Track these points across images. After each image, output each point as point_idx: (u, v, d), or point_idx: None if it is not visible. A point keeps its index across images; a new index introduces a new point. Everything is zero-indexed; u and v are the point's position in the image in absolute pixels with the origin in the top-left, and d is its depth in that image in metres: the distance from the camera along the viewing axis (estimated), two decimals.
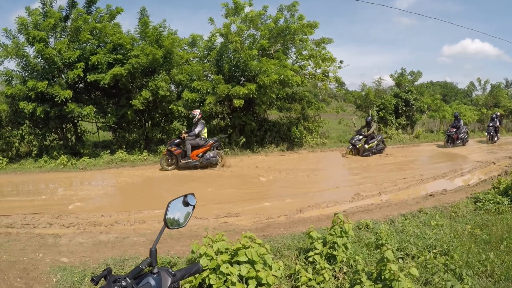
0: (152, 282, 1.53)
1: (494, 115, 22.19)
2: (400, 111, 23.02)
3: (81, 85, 13.67)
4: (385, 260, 3.77)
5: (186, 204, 1.84)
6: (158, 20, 16.75)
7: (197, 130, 11.66)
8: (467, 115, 28.13)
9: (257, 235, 4.89)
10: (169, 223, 1.79)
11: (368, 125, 15.47)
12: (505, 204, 7.46)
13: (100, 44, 13.36)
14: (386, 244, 4.44)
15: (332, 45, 17.55)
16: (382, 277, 3.58)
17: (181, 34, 20.95)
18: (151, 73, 13.66)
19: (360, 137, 14.98)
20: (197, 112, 11.98)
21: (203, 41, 15.67)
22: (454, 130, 18.51)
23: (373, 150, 15.01)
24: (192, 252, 3.85)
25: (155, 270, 1.58)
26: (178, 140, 11.65)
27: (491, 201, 7.69)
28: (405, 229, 5.89)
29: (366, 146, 14.84)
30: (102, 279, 1.46)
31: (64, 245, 5.30)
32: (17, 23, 12.00)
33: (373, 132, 15.27)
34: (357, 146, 14.73)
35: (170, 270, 1.60)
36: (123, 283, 1.42)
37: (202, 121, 11.94)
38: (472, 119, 28.50)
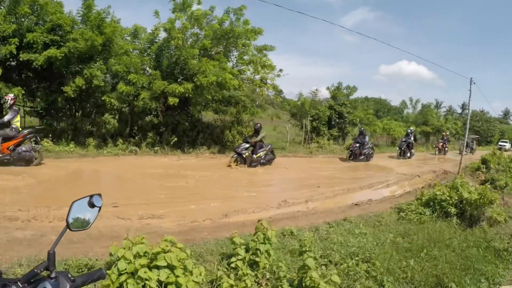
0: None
1: (409, 130, 24.80)
2: (333, 123, 25.74)
3: (12, 63, 13.62)
4: (306, 267, 4.11)
5: (91, 205, 1.82)
6: (104, 4, 17.07)
7: (6, 118, 10.49)
8: (396, 131, 31.97)
9: (180, 239, 5.08)
10: (71, 225, 1.80)
11: (256, 132, 15.02)
12: (427, 215, 8.47)
13: (39, 22, 13.46)
14: (307, 252, 4.77)
15: (275, 53, 19.08)
16: (303, 284, 3.88)
17: (125, 23, 21.27)
18: (87, 60, 13.96)
19: (247, 145, 14.42)
20: (10, 96, 10.80)
21: (145, 34, 16.23)
22: (357, 145, 19.22)
23: (262, 161, 14.71)
24: (111, 254, 3.86)
25: (53, 275, 1.56)
26: None
27: (414, 212, 8.67)
28: (329, 236, 6.37)
29: (254, 156, 14.47)
30: None
31: None
32: None
33: (261, 141, 14.87)
34: (243, 156, 14.20)
35: (69, 275, 1.61)
36: None
37: (15, 107, 10.76)
38: (401, 135, 32.36)
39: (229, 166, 13.82)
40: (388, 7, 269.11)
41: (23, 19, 13.25)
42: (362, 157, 19.29)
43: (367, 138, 19.97)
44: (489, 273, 5.82)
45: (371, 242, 6.26)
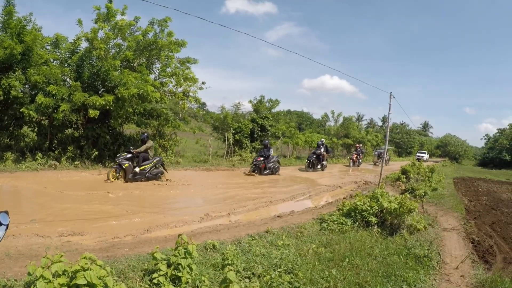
0: None
1: (319, 142, 26.22)
2: (255, 135, 27.11)
3: None
4: (228, 281, 4.28)
5: None
6: (26, 11, 16.81)
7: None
8: None
9: (101, 255, 5.44)
10: None
11: (142, 142, 14.82)
12: (348, 225, 8.98)
13: None
14: (229, 265, 5.10)
15: (198, 65, 19.63)
16: None
17: (46, 32, 20.99)
18: (6, 69, 14.02)
19: (129, 155, 13.87)
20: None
21: (67, 44, 16.28)
22: (262, 159, 19.52)
23: (146, 174, 14.22)
24: (29, 274, 3.83)
25: None
26: None
27: (336, 222, 9.17)
28: (251, 249, 6.55)
29: (137, 169, 13.98)
30: None
31: None
32: None
33: (146, 151, 14.50)
34: (123, 167, 13.61)
35: None
36: None
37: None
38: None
39: (107, 180, 13.28)
40: (312, 23, 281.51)
41: None
42: (267, 171, 19.55)
43: (271, 151, 20.30)
44: (410, 279, 6.33)
45: (294, 253, 6.56)
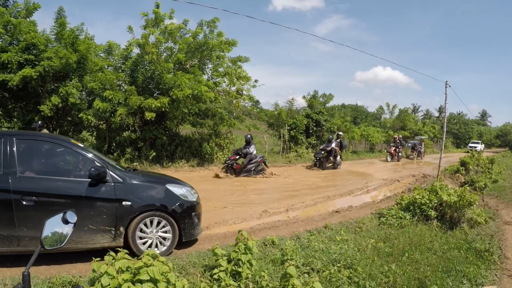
0: None
1: (330, 137, 20.87)
2: (310, 131, 26.47)
3: None
4: (288, 275, 4.21)
5: (65, 221, 1.81)
6: (77, 21, 17.28)
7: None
8: (374, 137, 32.80)
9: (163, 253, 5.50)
10: (46, 243, 1.78)
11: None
12: (407, 219, 8.60)
13: (13, 42, 13.74)
14: (288, 260, 5.04)
15: (249, 63, 19.41)
16: None
17: (99, 40, 21.45)
18: (63, 78, 14.30)
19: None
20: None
21: (119, 50, 16.49)
22: (237, 157, 15.81)
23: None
24: (93, 271, 3.87)
25: None
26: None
27: (394, 216, 8.79)
28: (310, 244, 6.41)
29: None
30: None
31: None
32: None
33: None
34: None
35: None
36: None
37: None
38: (379, 140, 33.31)
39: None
40: (361, 15, 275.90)
41: None
42: (245, 174, 15.50)
43: (252, 149, 16.11)
44: (471, 274, 6.01)
45: (352, 249, 6.37)
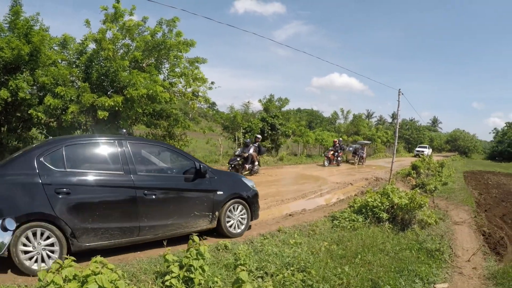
0: None
1: (247, 141, 19.94)
2: (266, 135, 26.99)
3: None
4: (240, 281, 4.34)
5: (4, 229, 1.73)
6: (32, 11, 16.57)
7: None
8: (329, 141, 33.72)
9: (111, 259, 5.50)
10: None
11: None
12: (360, 221, 9.13)
13: None
14: (241, 265, 5.15)
15: (207, 65, 19.47)
16: None
17: (55, 32, 20.72)
18: (13, 70, 13.72)
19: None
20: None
21: (75, 44, 16.06)
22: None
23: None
24: (39, 280, 3.83)
25: None
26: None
27: (347, 219, 9.32)
28: (264, 248, 6.61)
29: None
30: None
31: None
32: None
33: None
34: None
35: None
36: None
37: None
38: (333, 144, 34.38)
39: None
40: (321, 22, 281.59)
41: None
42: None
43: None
44: (423, 273, 6.43)
45: (306, 252, 6.63)
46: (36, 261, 5.13)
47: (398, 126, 20.90)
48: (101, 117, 14.37)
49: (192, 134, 21.25)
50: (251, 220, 8.14)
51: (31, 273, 4.96)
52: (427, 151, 53.43)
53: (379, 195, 10.20)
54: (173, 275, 4.63)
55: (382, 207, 9.60)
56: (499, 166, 45.50)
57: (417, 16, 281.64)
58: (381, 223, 9.29)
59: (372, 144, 45.58)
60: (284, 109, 32.37)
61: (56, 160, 5.59)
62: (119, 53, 16.19)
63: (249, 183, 8.25)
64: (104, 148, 6.24)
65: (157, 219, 6.36)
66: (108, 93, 15.59)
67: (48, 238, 5.23)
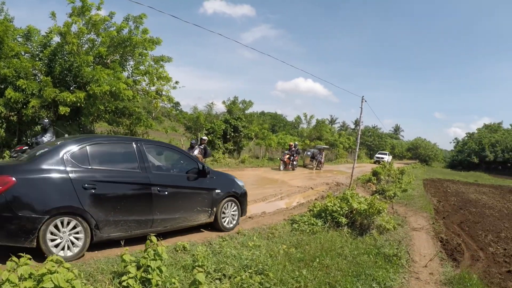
0: None
1: (193, 142, 19.21)
2: (228, 136, 27.35)
3: None
4: (197, 282, 4.35)
5: None
6: None
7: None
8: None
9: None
10: None
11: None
12: (319, 225, 9.18)
13: None
14: (198, 267, 5.17)
15: (172, 64, 19.60)
16: None
17: (19, 23, 20.35)
18: None
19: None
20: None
21: (39, 36, 15.85)
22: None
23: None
24: None
25: None
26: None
27: (306, 223, 9.36)
28: (222, 250, 6.64)
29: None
30: None
31: None
32: None
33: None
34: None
35: None
36: None
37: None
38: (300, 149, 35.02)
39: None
40: (289, 26, 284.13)
41: None
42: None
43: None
44: (380, 277, 6.49)
45: (265, 254, 6.69)
46: (62, 248, 5.64)
47: (360, 133, 21.45)
48: (62, 113, 14.23)
49: (155, 133, 21.35)
50: (241, 216, 8.99)
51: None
52: (387, 157, 53.92)
53: (339, 200, 10.35)
54: (130, 275, 4.65)
55: (342, 212, 9.73)
56: (459, 175, 46.62)
57: (382, 24, 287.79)
58: (340, 228, 9.39)
59: (334, 150, 46.43)
60: (248, 111, 32.93)
61: (82, 158, 6.11)
62: (84, 48, 16.10)
63: (240, 183, 9.03)
64: (123, 148, 7.00)
65: (167, 213, 7.08)
66: (71, 88, 15.48)
67: (74, 228, 5.77)
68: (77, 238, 5.78)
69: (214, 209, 8.09)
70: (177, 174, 7.73)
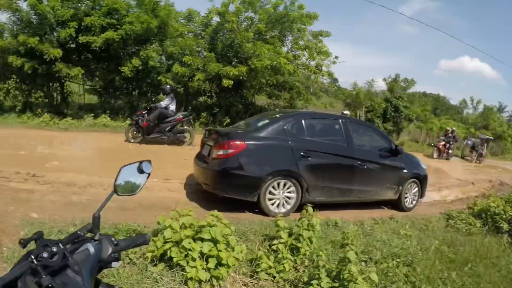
0: (91, 250, 1.54)
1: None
2: (388, 116, 25.91)
3: (72, 45, 15.18)
4: (347, 260, 4.12)
5: (140, 171, 1.87)
6: None
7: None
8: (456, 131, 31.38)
9: (226, 216, 5.17)
10: (119, 190, 1.85)
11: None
12: (477, 227, 8.25)
13: (95, 7, 14.85)
14: (350, 245, 4.95)
15: (330, 40, 19.31)
16: (341, 276, 3.91)
17: (178, 7, 22.25)
18: (144, 42, 15.27)
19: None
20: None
21: (199, 17, 17.10)
22: (144, 112, 12.43)
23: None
24: (158, 223, 4.13)
25: (96, 237, 1.59)
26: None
27: (464, 221, 8.46)
28: (373, 233, 6.47)
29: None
30: (33, 242, 1.45)
31: (36, 201, 5.98)
32: None
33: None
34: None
35: (113, 239, 1.64)
36: (54, 249, 1.39)
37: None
38: (459, 136, 31.96)
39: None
40: None
41: (79, 4, 14.70)
42: (156, 134, 11.64)
43: (168, 103, 12.40)
44: None
45: (415, 246, 6.23)
46: (277, 206, 6.61)
47: None
48: (225, 85, 15.17)
49: (313, 108, 21.15)
50: (420, 198, 9.15)
51: (273, 214, 6.32)
52: None
53: (503, 202, 9.14)
54: (281, 240, 4.73)
55: (504, 216, 8.54)
56: None
57: None
58: (500, 234, 8.22)
59: (500, 142, 41.50)
60: (409, 91, 30.85)
61: (299, 129, 7.04)
62: (243, 26, 16.64)
63: (424, 166, 9.21)
64: (332, 123, 7.85)
65: (364, 185, 7.67)
66: (233, 63, 16.19)
67: (288, 188, 6.65)
68: (289, 198, 6.69)
69: (400, 187, 8.30)
70: (374, 151, 8.07)
